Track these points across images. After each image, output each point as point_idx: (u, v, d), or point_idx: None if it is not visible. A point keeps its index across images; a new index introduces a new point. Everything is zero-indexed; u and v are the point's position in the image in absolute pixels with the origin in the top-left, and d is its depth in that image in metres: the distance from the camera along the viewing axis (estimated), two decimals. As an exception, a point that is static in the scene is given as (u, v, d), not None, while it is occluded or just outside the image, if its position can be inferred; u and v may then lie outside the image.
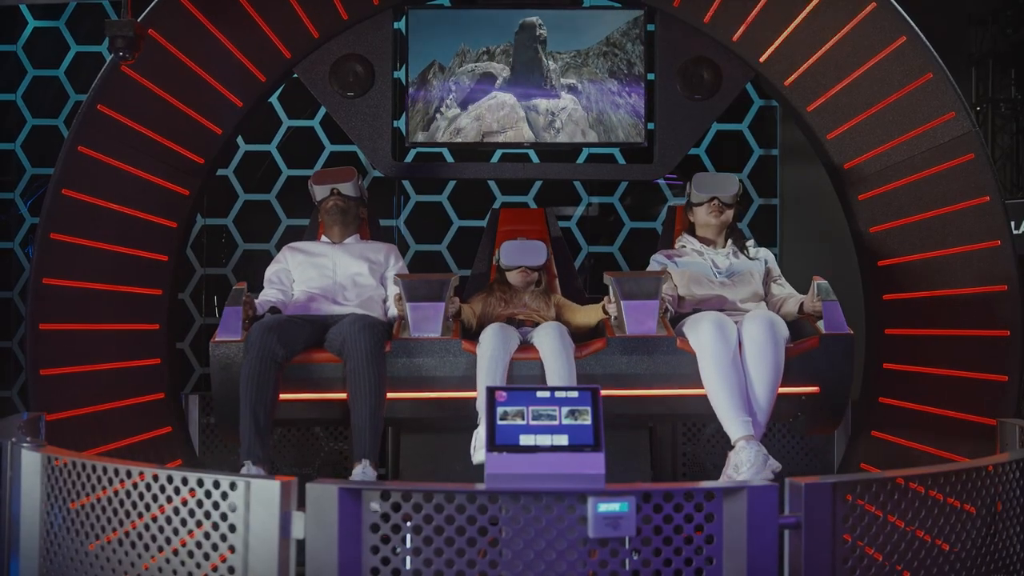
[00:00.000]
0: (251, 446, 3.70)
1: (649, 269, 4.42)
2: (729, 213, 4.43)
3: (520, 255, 4.37)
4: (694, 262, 4.36)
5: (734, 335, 3.81)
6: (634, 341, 3.90)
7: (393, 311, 4.25)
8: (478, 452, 3.68)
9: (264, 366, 3.76)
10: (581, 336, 4.16)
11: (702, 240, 4.46)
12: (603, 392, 3.81)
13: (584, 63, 5.07)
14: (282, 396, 3.87)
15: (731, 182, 4.44)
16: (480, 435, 3.71)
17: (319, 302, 4.30)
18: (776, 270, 4.44)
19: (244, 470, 3.65)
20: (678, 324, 4.08)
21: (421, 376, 3.91)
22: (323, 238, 4.61)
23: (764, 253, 4.46)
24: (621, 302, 3.95)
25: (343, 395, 3.88)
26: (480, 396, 3.81)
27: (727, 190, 4.41)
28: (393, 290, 4.26)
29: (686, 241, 4.50)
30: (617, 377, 3.88)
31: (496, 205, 6.90)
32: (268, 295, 4.33)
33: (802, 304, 4.13)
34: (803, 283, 4.46)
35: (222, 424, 3.99)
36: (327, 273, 4.39)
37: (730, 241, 4.45)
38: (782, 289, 4.37)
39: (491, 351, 3.81)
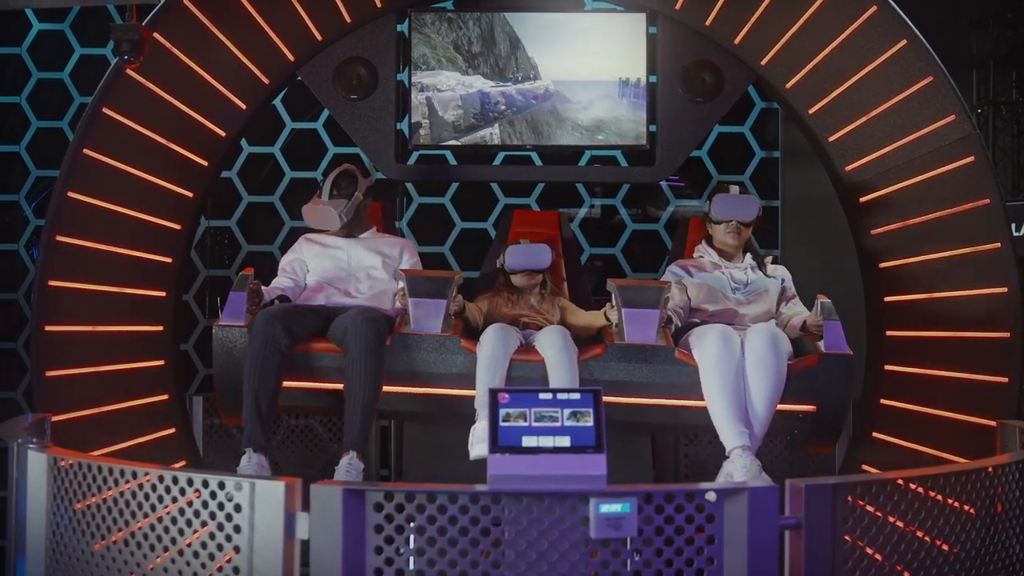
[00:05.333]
0: (252, 433, 3.74)
1: (664, 279, 4.38)
2: (747, 232, 4.42)
3: (524, 258, 4.36)
4: (712, 276, 4.33)
5: (738, 347, 3.82)
6: (632, 349, 3.89)
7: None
8: (476, 447, 3.70)
9: (268, 352, 3.79)
10: (583, 341, 4.16)
11: (720, 252, 4.44)
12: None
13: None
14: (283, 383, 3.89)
15: (751, 206, 4.38)
16: (477, 430, 3.74)
17: (330, 292, 4.31)
18: (791, 289, 4.40)
19: (245, 458, 3.69)
20: (683, 336, 4.06)
21: (418, 371, 3.92)
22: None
23: (782, 272, 4.43)
24: (622, 310, 3.94)
25: (340, 385, 3.91)
26: (479, 395, 3.82)
27: (747, 215, 4.37)
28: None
29: (704, 251, 4.48)
30: (615, 384, 3.87)
31: (499, 207, 6.92)
32: (280, 283, 4.35)
33: (805, 321, 4.10)
34: (801, 283, 4.47)
35: (223, 407, 4.03)
36: (341, 264, 4.40)
37: (748, 255, 4.44)
38: (792, 308, 4.33)
39: (491, 351, 3.82)
